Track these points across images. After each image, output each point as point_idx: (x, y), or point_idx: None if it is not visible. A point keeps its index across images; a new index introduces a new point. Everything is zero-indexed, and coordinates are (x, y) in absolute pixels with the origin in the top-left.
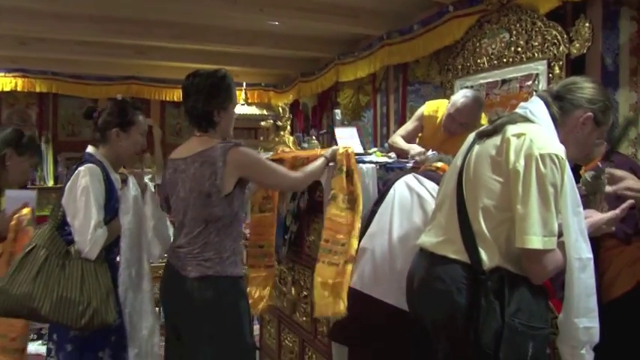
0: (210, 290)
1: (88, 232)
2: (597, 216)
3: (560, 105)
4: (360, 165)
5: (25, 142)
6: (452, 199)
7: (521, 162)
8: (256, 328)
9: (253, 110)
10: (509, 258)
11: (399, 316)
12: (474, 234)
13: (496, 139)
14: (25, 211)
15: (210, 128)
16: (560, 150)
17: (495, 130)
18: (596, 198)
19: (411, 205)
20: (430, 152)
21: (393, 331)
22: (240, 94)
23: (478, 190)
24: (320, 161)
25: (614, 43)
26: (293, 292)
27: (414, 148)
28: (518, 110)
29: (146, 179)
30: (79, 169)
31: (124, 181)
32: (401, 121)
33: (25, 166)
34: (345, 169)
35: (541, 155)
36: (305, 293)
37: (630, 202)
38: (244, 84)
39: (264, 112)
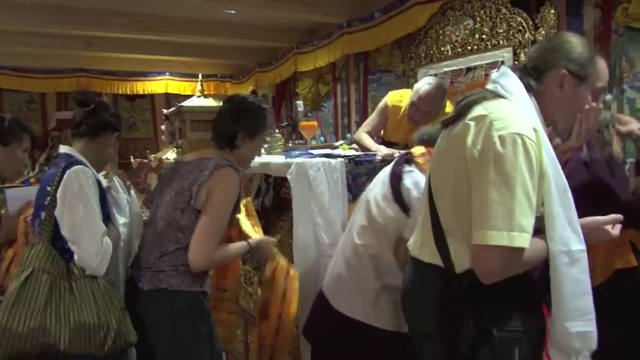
0: (163, 307)
1: (93, 244)
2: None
3: (532, 74)
4: (329, 159)
5: (7, 129)
6: (426, 198)
7: (478, 147)
8: None
9: (210, 102)
10: None
11: (356, 328)
12: (445, 234)
13: (459, 126)
14: (31, 210)
15: (228, 148)
16: (525, 129)
17: (459, 114)
18: (609, 131)
19: (378, 211)
20: (397, 153)
21: (357, 344)
22: (196, 86)
23: (445, 184)
24: (242, 246)
25: (578, 30)
26: (259, 293)
27: (382, 150)
28: (488, 86)
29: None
30: (68, 171)
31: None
32: (363, 111)
33: (16, 154)
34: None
35: (500, 137)
36: None
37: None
38: (200, 75)
39: (221, 104)
